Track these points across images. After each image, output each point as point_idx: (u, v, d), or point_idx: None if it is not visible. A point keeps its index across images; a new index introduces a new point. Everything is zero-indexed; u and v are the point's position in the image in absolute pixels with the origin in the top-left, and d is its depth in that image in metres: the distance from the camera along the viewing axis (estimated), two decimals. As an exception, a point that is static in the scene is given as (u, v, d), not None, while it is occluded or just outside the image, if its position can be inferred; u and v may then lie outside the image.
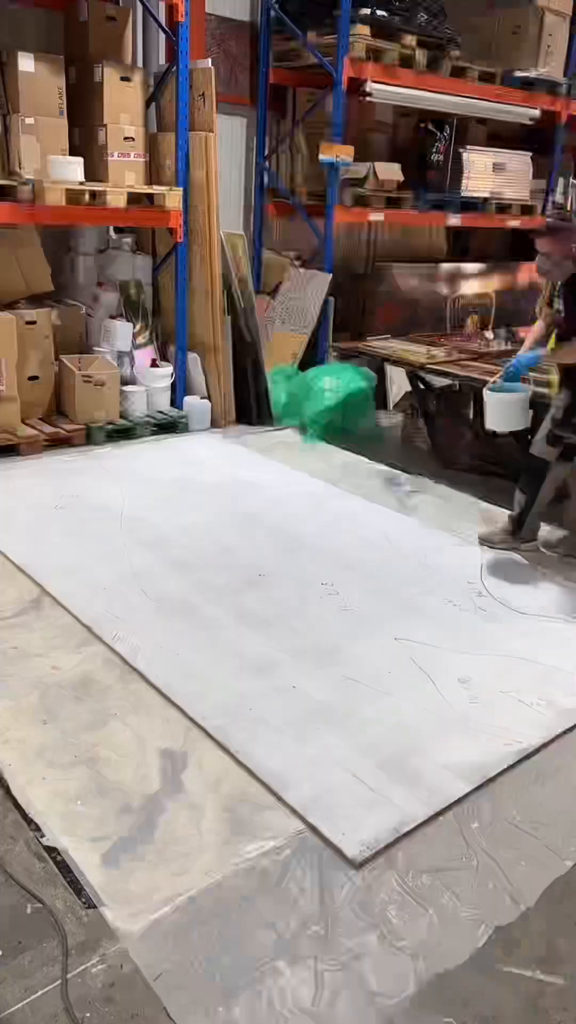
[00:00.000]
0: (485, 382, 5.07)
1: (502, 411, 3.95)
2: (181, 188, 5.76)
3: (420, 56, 6.62)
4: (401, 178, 7.20)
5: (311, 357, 7.00)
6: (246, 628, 3.49)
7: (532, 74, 7.60)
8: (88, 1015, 1.87)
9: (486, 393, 4.00)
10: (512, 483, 5.44)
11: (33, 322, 5.46)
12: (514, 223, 8.28)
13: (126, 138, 5.56)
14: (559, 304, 3.88)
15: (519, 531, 4.14)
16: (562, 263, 3.60)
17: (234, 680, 3.12)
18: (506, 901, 2.24)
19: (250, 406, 6.50)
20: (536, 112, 7.86)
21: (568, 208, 6.58)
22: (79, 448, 5.62)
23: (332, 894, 2.21)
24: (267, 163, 7.34)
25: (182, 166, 5.80)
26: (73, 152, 5.47)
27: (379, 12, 6.31)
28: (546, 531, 4.28)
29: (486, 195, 7.82)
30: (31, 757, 2.65)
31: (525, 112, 7.79)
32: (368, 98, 6.56)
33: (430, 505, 5.05)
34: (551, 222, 3.67)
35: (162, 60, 6.10)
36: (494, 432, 4.03)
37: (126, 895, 2.17)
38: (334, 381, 6.18)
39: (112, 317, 6.06)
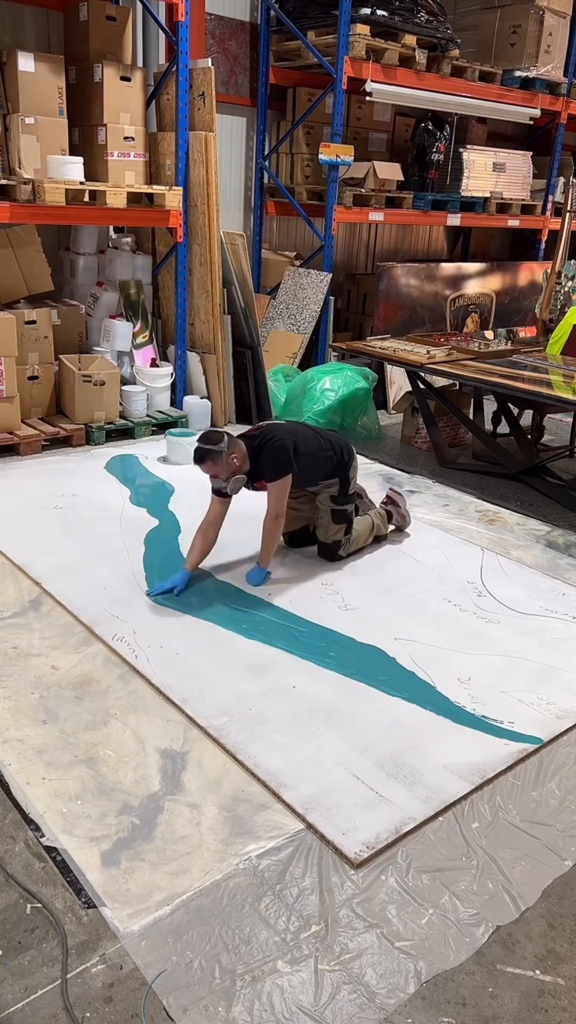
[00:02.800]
0: (485, 382, 5.08)
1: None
2: (181, 188, 5.76)
3: (420, 56, 6.63)
4: (401, 178, 7.21)
5: (311, 357, 7.00)
6: (245, 628, 3.49)
7: (532, 74, 7.61)
8: (88, 1015, 1.87)
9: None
10: (512, 482, 5.46)
11: (33, 322, 5.46)
12: (514, 223, 8.29)
13: (126, 138, 5.56)
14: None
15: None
16: (232, 479, 3.68)
17: (234, 680, 3.12)
18: (506, 901, 2.24)
19: (250, 406, 6.50)
20: (536, 112, 7.87)
21: (568, 207, 6.56)
22: (79, 448, 5.62)
23: (332, 894, 2.21)
24: (267, 163, 7.34)
25: (182, 166, 5.80)
26: (73, 152, 5.47)
27: (379, 12, 6.31)
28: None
29: (486, 195, 7.82)
30: (31, 757, 2.65)
31: (525, 112, 7.80)
32: (368, 98, 6.56)
33: (430, 505, 5.05)
34: (198, 449, 3.61)
35: (162, 60, 6.10)
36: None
37: (126, 895, 2.17)
38: (334, 381, 6.18)
39: (112, 317, 6.06)
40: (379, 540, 4.39)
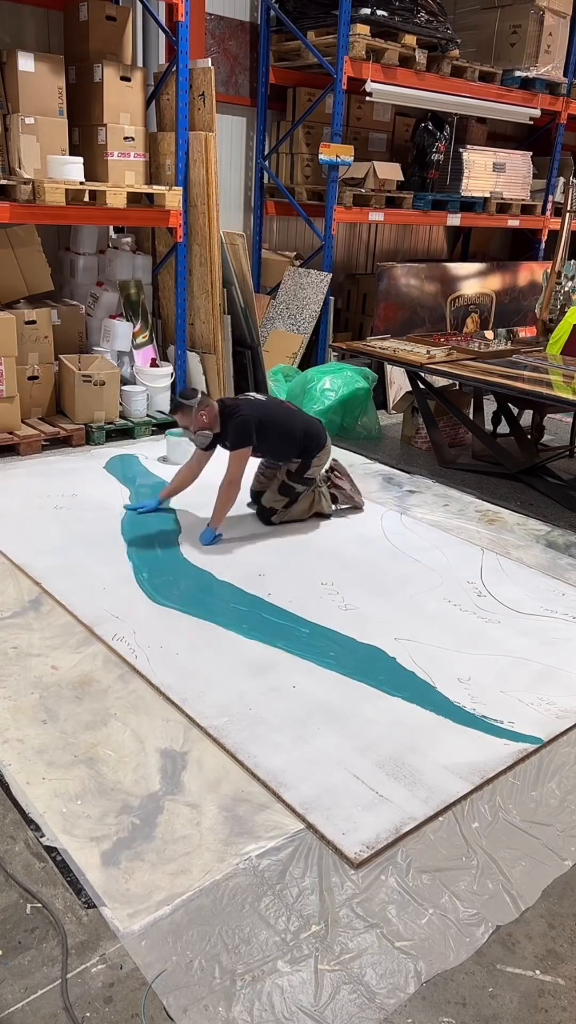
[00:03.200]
0: (485, 382, 5.08)
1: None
2: (181, 188, 5.76)
3: (420, 56, 6.63)
4: (401, 178, 7.21)
5: (311, 357, 7.00)
6: (245, 628, 3.49)
7: (532, 74, 7.61)
8: (88, 1015, 1.87)
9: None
10: (512, 482, 5.46)
11: (33, 322, 5.46)
12: (514, 223, 8.29)
13: (126, 138, 5.56)
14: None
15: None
16: (200, 433, 4.20)
17: (234, 680, 3.12)
18: (506, 901, 2.24)
19: (250, 406, 6.49)
20: (536, 112, 7.87)
21: (568, 207, 6.56)
22: (79, 448, 5.62)
23: (332, 894, 2.21)
24: (267, 163, 7.34)
25: (182, 166, 5.80)
26: (73, 152, 5.47)
27: (379, 12, 6.31)
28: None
29: (486, 195, 7.82)
30: (31, 757, 2.65)
31: (525, 112, 7.80)
32: (368, 98, 6.56)
33: (429, 505, 5.05)
34: (174, 401, 4.19)
35: (162, 60, 6.10)
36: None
37: (126, 895, 2.17)
38: (334, 381, 6.18)
39: (112, 317, 6.06)
40: (320, 516, 4.69)
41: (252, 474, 4.68)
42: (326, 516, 4.68)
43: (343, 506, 4.78)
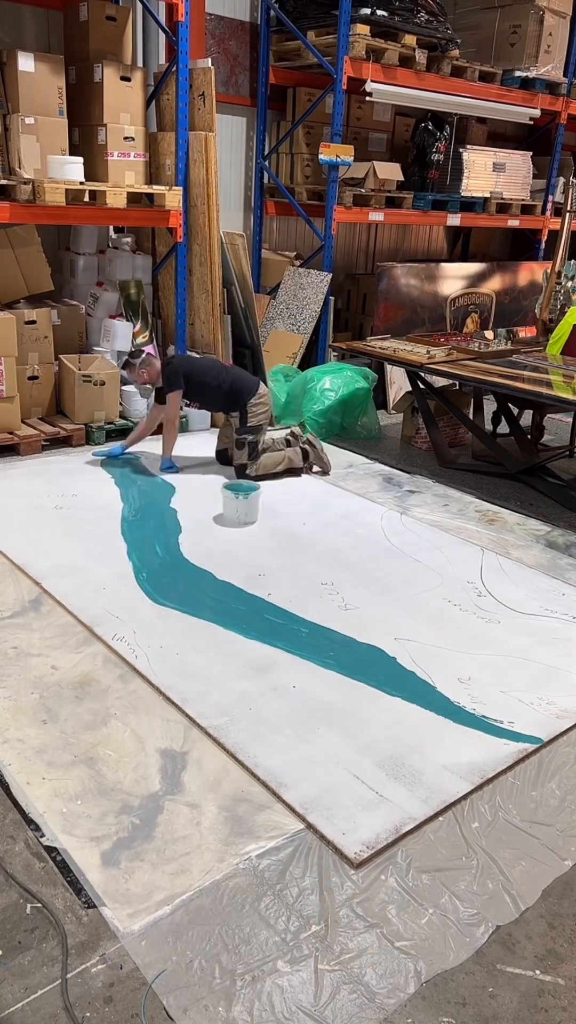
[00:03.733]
0: (485, 382, 5.08)
1: (250, 507, 4.59)
2: (181, 188, 5.76)
3: (420, 56, 6.63)
4: (401, 178, 7.21)
5: (311, 357, 7.00)
6: (245, 628, 3.49)
7: (532, 74, 7.61)
8: (88, 1015, 1.87)
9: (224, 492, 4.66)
10: (512, 482, 5.46)
11: (33, 322, 5.46)
12: (514, 223, 8.29)
13: (126, 138, 5.56)
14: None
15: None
16: (143, 387, 5.32)
17: (234, 680, 3.12)
18: (506, 901, 2.24)
19: (250, 406, 6.49)
20: (536, 112, 7.86)
21: (568, 207, 6.56)
22: (79, 448, 5.62)
23: (332, 894, 2.21)
24: (267, 163, 7.34)
25: (182, 166, 5.80)
26: (73, 152, 5.47)
27: (379, 12, 6.31)
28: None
29: (486, 195, 7.82)
30: (31, 757, 2.65)
31: (525, 112, 7.80)
32: (368, 98, 6.56)
33: (429, 505, 5.05)
34: (125, 360, 5.17)
35: (162, 60, 6.10)
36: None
37: (126, 895, 2.17)
38: (334, 381, 6.18)
39: (112, 317, 6.06)
40: (294, 472, 5.35)
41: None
42: (298, 472, 5.36)
43: (315, 470, 5.45)
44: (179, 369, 5.03)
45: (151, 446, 5.48)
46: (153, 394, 5.28)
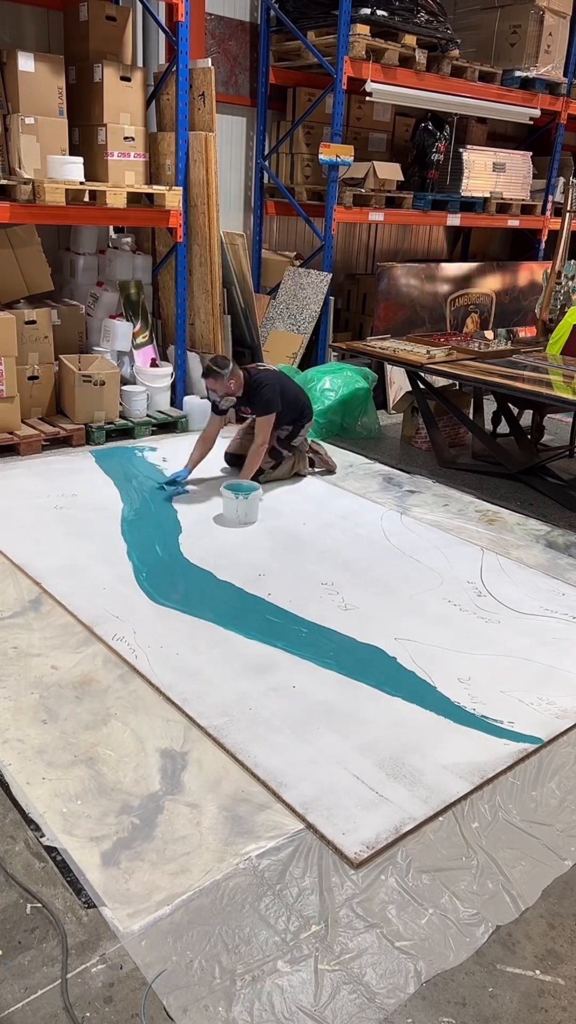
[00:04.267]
0: (485, 382, 5.08)
1: (249, 507, 4.57)
2: (181, 188, 5.77)
3: (420, 56, 6.63)
4: (401, 178, 7.21)
5: (311, 357, 7.00)
6: (245, 628, 3.49)
7: (532, 74, 7.61)
8: (88, 1015, 1.87)
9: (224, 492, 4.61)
10: (512, 482, 5.46)
11: (33, 322, 5.46)
12: (514, 223, 8.29)
13: (126, 138, 5.56)
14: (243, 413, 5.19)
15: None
16: (227, 398, 4.74)
17: (234, 680, 3.12)
18: (506, 901, 2.24)
19: (250, 406, 6.50)
20: (536, 112, 7.86)
21: (568, 207, 6.56)
22: (79, 448, 5.62)
23: (332, 894, 2.21)
24: (267, 163, 7.34)
25: (182, 166, 5.81)
26: (73, 152, 5.47)
27: (379, 12, 6.31)
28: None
29: (486, 195, 7.83)
30: (31, 757, 2.65)
31: (525, 112, 7.80)
32: (368, 98, 6.56)
33: (429, 505, 5.05)
34: (208, 366, 4.65)
35: (162, 60, 6.10)
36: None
37: (126, 895, 2.17)
38: (334, 381, 6.18)
39: (112, 317, 6.06)
40: (298, 476, 5.31)
41: (229, 438, 5.32)
42: (302, 476, 5.32)
43: (318, 469, 5.43)
44: (276, 387, 4.79)
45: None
46: (212, 405, 4.88)
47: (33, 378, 5.59)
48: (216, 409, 4.87)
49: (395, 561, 4.23)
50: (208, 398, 4.87)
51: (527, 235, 9.09)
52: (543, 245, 8.82)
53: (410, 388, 5.96)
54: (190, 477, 4.93)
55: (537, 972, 2.05)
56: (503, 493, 5.31)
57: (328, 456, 5.47)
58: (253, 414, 4.92)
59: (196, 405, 6.24)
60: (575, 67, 8.09)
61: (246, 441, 5.12)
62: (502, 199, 7.96)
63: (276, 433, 5.01)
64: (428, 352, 5.63)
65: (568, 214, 6.57)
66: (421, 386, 5.80)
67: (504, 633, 3.59)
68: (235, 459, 5.21)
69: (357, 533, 4.54)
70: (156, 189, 5.64)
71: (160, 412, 6.16)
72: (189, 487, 4.93)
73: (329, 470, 5.45)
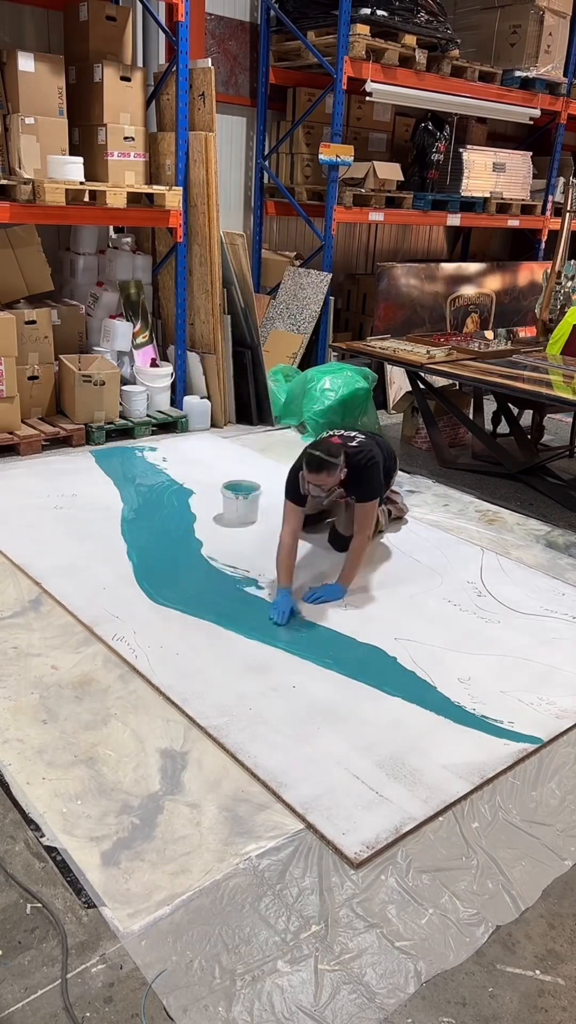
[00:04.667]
0: (485, 382, 5.08)
1: (247, 507, 4.46)
2: (181, 188, 5.76)
3: (420, 56, 6.63)
4: (401, 178, 7.21)
5: (311, 357, 7.00)
6: (245, 628, 3.49)
7: (532, 74, 7.61)
8: (88, 1015, 1.87)
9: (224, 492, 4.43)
10: (512, 482, 5.46)
11: (33, 322, 5.46)
12: (514, 223, 8.29)
13: (126, 138, 5.56)
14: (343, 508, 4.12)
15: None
16: (333, 489, 3.72)
17: (234, 680, 3.12)
18: (506, 901, 2.24)
19: (250, 406, 6.50)
20: (536, 112, 7.87)
21: (568, 207, 6.56)
22: (79, 448, 5.62)
23: (332, 894, 2.21)
24: (267, 163, 7.34)
25: (182, 166, 5.80)
26: (73, 152, 5.47)
27: (379, 12, 6.31)
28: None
29: (486, 195, 7.83)
30: (31, 757, 2.65)
31: (525, 112, 7.80)
32: (368, 98, 6.56)
33: (429, 505, 5.05)
34: (317, 458, 3.58)
35: (162, 60, 6.10)
36: None
37: (126, 895, 2.17)
38: (334, 381, 6.18)
39: (112, 317, 6.06)
40: (379, 533, 4.46)
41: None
42: (382, 532, 4.47)
43: (394, 517, 4.65)
44: (380, 466, 3.85)
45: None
46: (289, 492, 3.81)
47: (33, 378, 5.59)
48: (297, 497, 3.77)
49: (395, 561, 4.23)
50: (291, 496, 3.79)
51: (527, 235, 9.09)
52: (543, 245, 8.82)
53: (410, 388, 5.96)
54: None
55: (537, 972, 2.05)
56: (503, 493, 5.31)
57: (403, 502, 4.72)
58: (345, 499, 3.93)
59: (196, 405, 6.24)
60: (575, 67, 8.09)
61: (293, 558, 3.86)
62: (502, 199, 7.96)
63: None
64: (428, 352, 5.63)
65: (568, 214, 6.57)
66: (421, 386, 5.80)
67: (504, 633, 3.59)
68: (340, 539, 4.17)
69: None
70: (156, 189, 5.64)
71: (160, 412, 6.16)
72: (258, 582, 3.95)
73: (400, 516, 4.67)
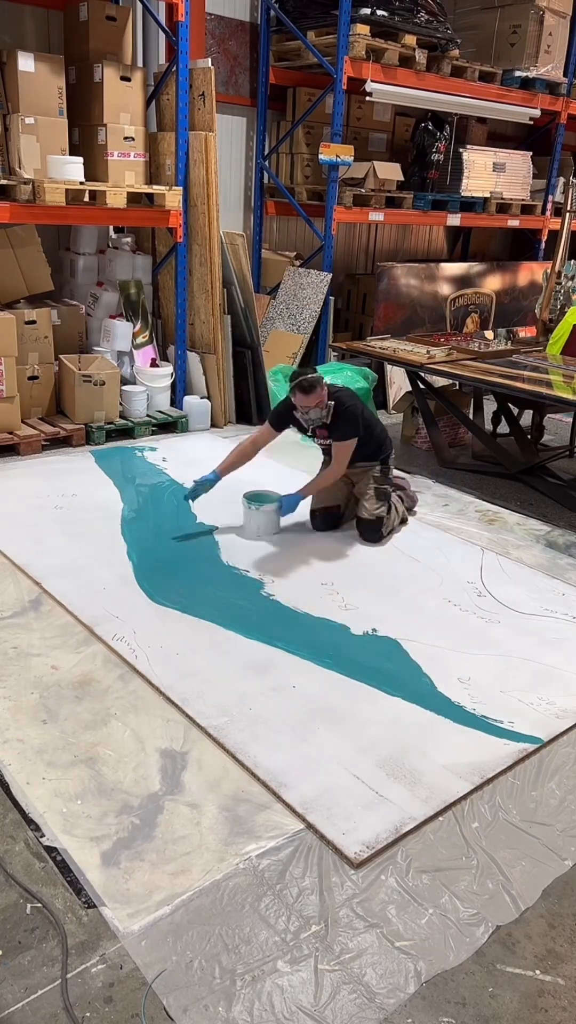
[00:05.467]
0: (485, 382, 5.08)
1: (265, 519, 4.37)
2: (181, 188, 5.77)
3: (420, 56, 6.63)
4: (401, 178, 7.21)
5: (311, 357, 7.00)
6: (245, 628, 3.49)
7: (532, 74, 7.61)
8: (88, 1015, 1.87)
9: (245, 503, 4.39)
10: (512, 482, 5.46)
11: (33, 322, 5.46)
12: (514, 223, 8.29)
13: (126, 138, 5.56)
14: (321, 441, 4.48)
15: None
16: (315, 409, 4.18)
17: (234, 680, 3.12)
18: (506, 901, 2.24)
19: (250, 406, 6.50)
20: (536, 112, 7.87)
21: (568, 207, 6.56)
22: (79, 448, 5.62)
23: (332, 894, 2.21)
24: (267, 163, 7.34)
25: (182, 166, 5.80)
26: (73, 152, 5.47)
27: (379, 12, 6.31)
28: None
29: (486, 195, 7.83)
30: (31, 757, 2.65)
31: (525, 112, 7.80)
32: (368, 98, 6.56)
33: (429, 505, 5.05)
34: (305, 379, 4.09)
35: (162, 60, 6.10)
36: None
37: (126, 895, 2.17)
38: (334, 381, 6.16)
39: (112, 317, 6.06)
40: (403, 523, 4.67)
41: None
42: (406, 521, 4.67)
43: (406, 504, 4.75)
44: (358, 410, 4.26)
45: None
46: (273, 416, 4.37)
47: (33, 378, 5.59)
48: (276, 423, 4.34)
49: (395, 561, 4.23)
50: (271, 419, 4.37)
51: (527, 235, 9.09)
52: (543, 245, 8.82)
53: (410, 388, 5.96)
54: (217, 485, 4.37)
55: (537, 972, 2.05)
56: (503, 493, 5.31)
57: (412, 489, 4.87)
58: (329, 439, 4.33)
59: (196, 405, 6.24)
60: (575, 67, 8.09)
61: (333, 494, 4.49)
62: (502, 199, 7.96)
63: (367, 473, 4.42)
64: (428, 352, 5.63)
65: (568, 214, 6.57)
66: (421, 386, 5.80)
67: (504, 633, 3.59)
68: (328, 518, 4.52)
69: (357, 533, 4.53)
70: (156, 189, 5.64)
71: (160, 412, 6.16)
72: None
73: (412, 504, 4.83)
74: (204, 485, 4.36)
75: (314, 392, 4.10)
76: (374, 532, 4.35)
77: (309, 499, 4.48)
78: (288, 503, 4.32)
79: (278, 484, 5.17)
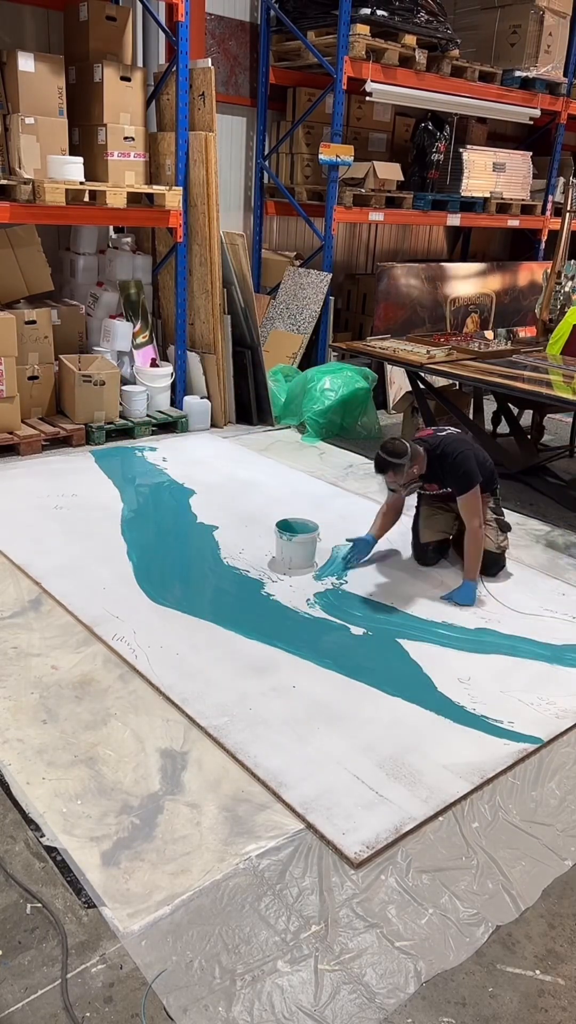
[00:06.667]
0: (485, 382, 5.07)
1: (298, 552, 4.04)
2: (181, 188, 5.76)
3: (420, 56, 6.63)
4: (401, 178, 7.21)
5: (311, 357, 7.00)
6: (245, 628, 3.49)
7: (532, 74, 7.61)
8: (88, 1015, 1.87)
9: (278, 533, 4.07)
10: (512, 482, 5.45)
11: (33, 322, 5.46)
12: (514, 223, 8.29)
13: (126, 138, 5.56)
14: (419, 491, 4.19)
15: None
16: (410, 485, 3.94)
17: (234, 680, 3.12)
18: (506, 901, 2.24)
19: (250, 406, 6.50)
20: (536, 112, 7.87)
21: (568, 207, 6.56)
22: (79, 448, 5.62)
23: (332, 894, 2.21)
24: (267, 163, 7.34)
25: (182, 166, 5.80)
26: (73, 152, 5.47)
27: (379, 12, 6.31)
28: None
29: (486, 195, 7.83)
30: (31, 757, 2.65)
31: (525, 112, 7.80)
32: (368, 98, 6.56)
33: (430, 505, 5.04)
34: (381, 459, 3.76)
35: (162, 60, 6.10)
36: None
37: (126, 895, 2.17)
38: (334, 381, 6.18)
39: (112, 317, 6.06)
40: (503, 552, 4.23)
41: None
42: (504, 549, 4.24)
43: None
44: (471, 456, 3.85)
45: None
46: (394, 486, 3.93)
47: (33, 378, 5.59)
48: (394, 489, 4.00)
49: (395, 561, 4.23)
50: (390, 488, 3.98)
51: (527, 235, 9.09)
52: (543, 245, 8.82)
53: (410, 388, 5.96)
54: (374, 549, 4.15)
55: (537, 972, 2.05)
56: (503, 493, 5.29)
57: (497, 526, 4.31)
58: (441, 491, 4.00)
59: (196, 405, 6.24)
60: (575, 67, 8.09)
61: (439, 526, 4.20)
62: (502, 199, 7.97)
63: (487, 506, 4.07)
64: (428, 352, 5.63)
65: (568, 214, 6.57)
66: (421, 386, 5.80)
67: (504, 633, 3.59)
68: (439, 550, 4.20)
69: (357, 533, 4.53)
70: (156, 189, 5.64)
71: (160, 412, 6.16)
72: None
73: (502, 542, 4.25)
74: (362, 548, 4.10)
75: (392, 471, 3.74)
76: (499, 564, 4.12)
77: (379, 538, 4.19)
78: (466, 596, 3.83)
79: (278, 484, 5.17)
